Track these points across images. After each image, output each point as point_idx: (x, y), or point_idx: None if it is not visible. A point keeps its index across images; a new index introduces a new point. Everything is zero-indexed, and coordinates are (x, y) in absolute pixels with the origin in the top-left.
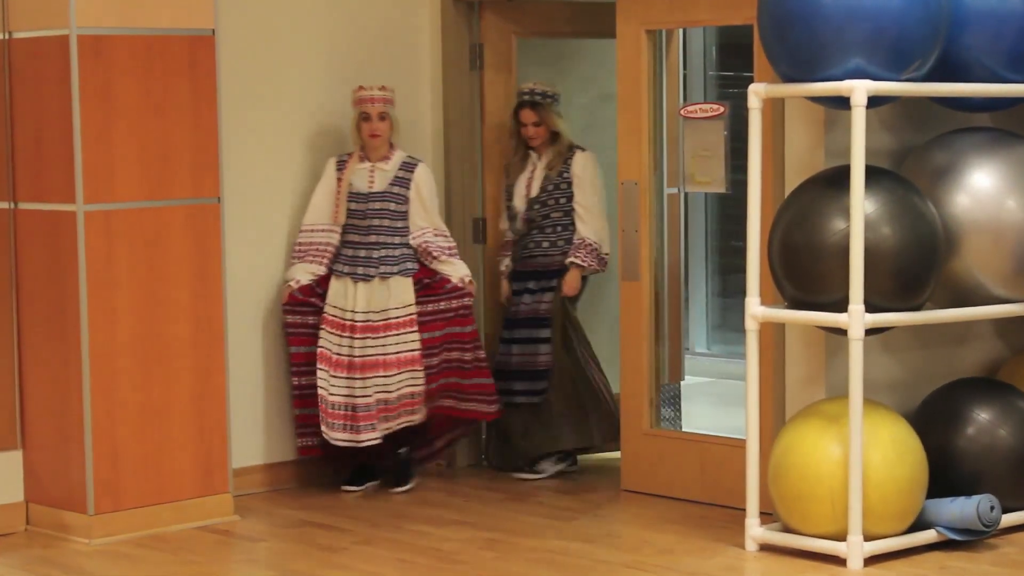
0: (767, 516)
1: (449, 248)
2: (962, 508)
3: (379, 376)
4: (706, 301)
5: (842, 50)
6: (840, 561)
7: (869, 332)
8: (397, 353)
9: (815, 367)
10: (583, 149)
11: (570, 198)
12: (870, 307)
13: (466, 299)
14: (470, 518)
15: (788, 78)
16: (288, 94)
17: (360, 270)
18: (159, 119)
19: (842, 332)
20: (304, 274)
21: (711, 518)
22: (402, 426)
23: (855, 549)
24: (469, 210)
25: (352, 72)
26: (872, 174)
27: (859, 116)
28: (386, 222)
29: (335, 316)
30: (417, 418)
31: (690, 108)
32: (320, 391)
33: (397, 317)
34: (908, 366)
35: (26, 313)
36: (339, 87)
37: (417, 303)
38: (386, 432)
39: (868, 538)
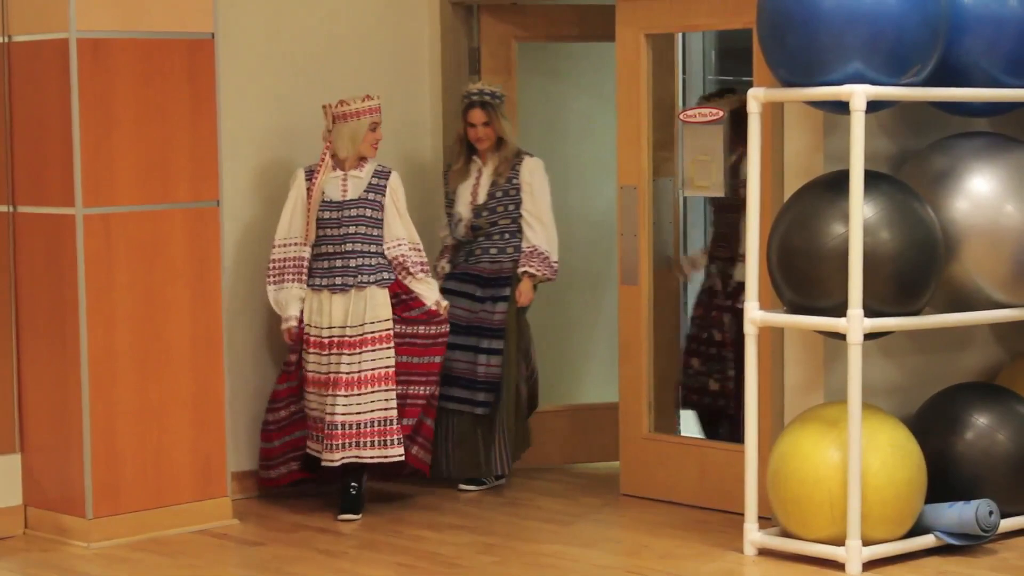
0: (766, 521)
1: (423, 265)
2: (960, 513)
3: (353, 395)
4: None
5: (841, 55)
6: (839, 566)
7: (868, 337)
8: (372, 370)
9: (814, 372)
10: (531, 155)
11: (518, 205)
12: (869, 312)
13: (444, 326)
14: (468, 522)
15: (787, 82)
16: (287, 97)
17: (338, 280)
18: (158, 123)
19: (841, 337)
20: (296, 305)
21: (710, 523)
22: (376, 461)
23: (854, 554)
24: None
25: (351, 76)
26: (871, 178)
27: (858, 120)
28: (362, 230)
29: (315, 336)
30: (394, 455)
31: (689, 112)
32: (315, 414)
33: (373, 332)
34: (907, 371)
35: (25, 317)
36: (338, 91)
37: (393, 319)
38: (355, 460)
39: (867, 543)
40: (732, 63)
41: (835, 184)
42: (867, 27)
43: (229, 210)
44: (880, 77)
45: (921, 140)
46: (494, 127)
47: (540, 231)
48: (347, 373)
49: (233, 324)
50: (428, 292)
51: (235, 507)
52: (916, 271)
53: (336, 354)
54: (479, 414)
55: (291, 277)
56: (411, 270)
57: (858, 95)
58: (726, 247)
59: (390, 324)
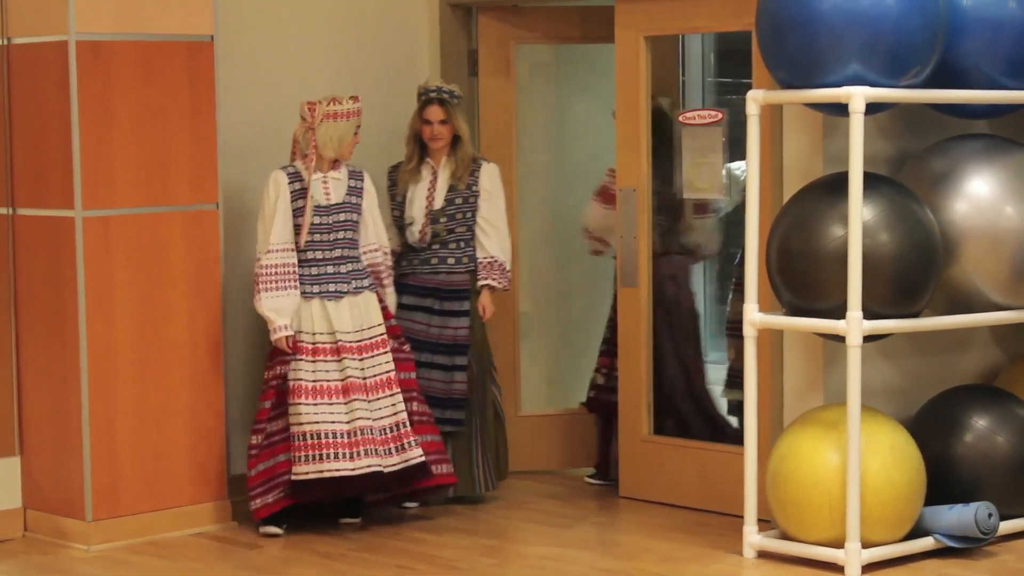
0: (765, 523)
1: (390, 269)
2: (960, 515)
3: (363, 400)
4: (704, 307)
5: (840, 57)
6: (838, 568)
7: (867, 339)
8: (376, 376)
9: (813, 374)
10: (487, 160)
11: (476, 211)
12: (868, 314)
13: (407, 345)
14: (468, 525)
15: (786, 84)
16: (286, 99)
17: (332, 287)
18: (158, 125)
19: (840, 339)
20: (290, 313)
21: (709, 525)
22: (398, 468)
23: (853, 556)
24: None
25: (349, 78)
26: (870, 181)
27: (857, 123)
28: (349, 234)
29: (306, 342)
30: (414, 456)
31: (688, 115)
32: (305, 427)
33: (372, 338)
34: (906, 373)
35: (25, 319)
36: (338, 91)
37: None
38: (381, 468)
39: (866, 545)
40: (731, 65)
41: (834, 186)
42: (866, 29)
43: (228, 212)
44: (879, 79)
45: (920, 142)
46: (452, 125)
47: (496, 239)
48: (358, 379)
49: (232, 326)
50: (393, 304)
51: (234, 510)
52: (915, 273)
53: (342, 359)
54: (447, 431)
55: (291, 284)
56: (383, 280)
57: (857, 97)
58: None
59: (383, 328)
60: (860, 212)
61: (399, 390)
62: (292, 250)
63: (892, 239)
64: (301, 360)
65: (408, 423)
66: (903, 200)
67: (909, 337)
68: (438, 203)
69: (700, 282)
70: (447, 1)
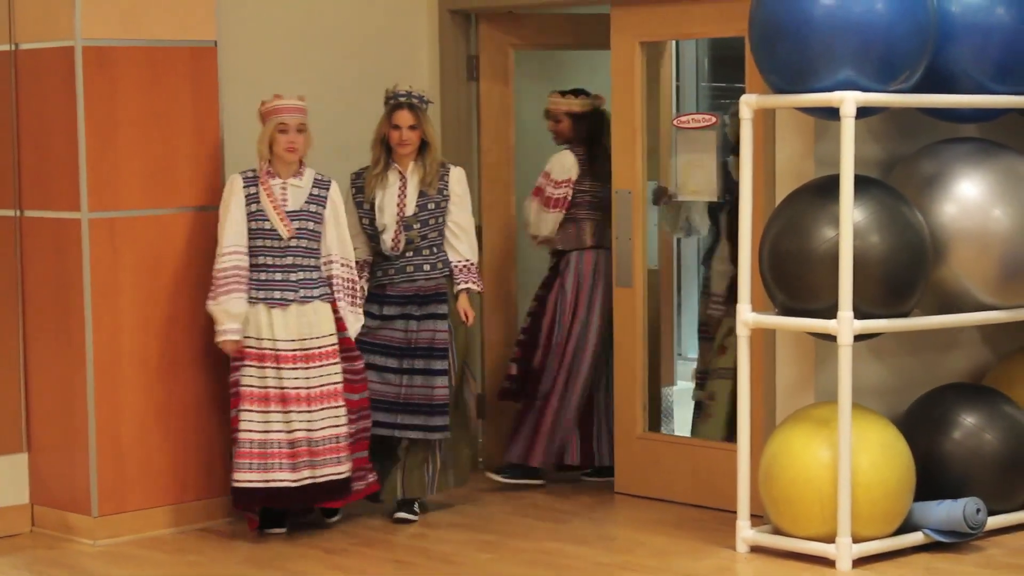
0: (758, 518)
1: (352, 283)
2: (949, 511)
3: (304, 411)
4: (698, 306)
5: (832, 62)
6: (829, 562)
7: (858, 338)
8: (321, 387)
9: (805, 372)
10: (454, 165)
11: (446, 216)
12: (859, 314)
13: (358, 363)
14: (465, 520)
15: (779, 89)
16: None
17: (277, 295)
18: (162, 128)
19: (831, 338)
20: (237, 317)
21: (703, 520)
22: (328, 479)
23: (844, 551)
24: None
25: (351, 82)
26: (861, 183)
27: (848, 126)
28: (303, 243)
29: (252, 347)
30: (343, 471)
31: (683, 118)
32: (245, 434)
33: (319, 347)
34: (896, 371)
35: (31, 319)
36: (338, 97)
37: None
38: (311, 481)
39: (856, 540)
40: (725, 70)
41: (826, 189)
42: (857, 35)
43: None
44: (870, 84)
45: (910, 145)
46: (421, 131)
47: (467, 243)
48: (296, 388)
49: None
50: (353, 323)
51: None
52: (905, 274)
53: (280, 368)
54: (436, 439)
55: (237, 287)
56: (338, 295)
57: (848, 101)
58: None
59: (335, 339)
60: (851, 214)
61: (343, 403)
62: (242, 253)
63: (882, 241)
64: (250, 366)
65: (343, 439)
66: (893, 202)
67: (899, 336)
68: (410, 209)
69: None
70: (447, 8)
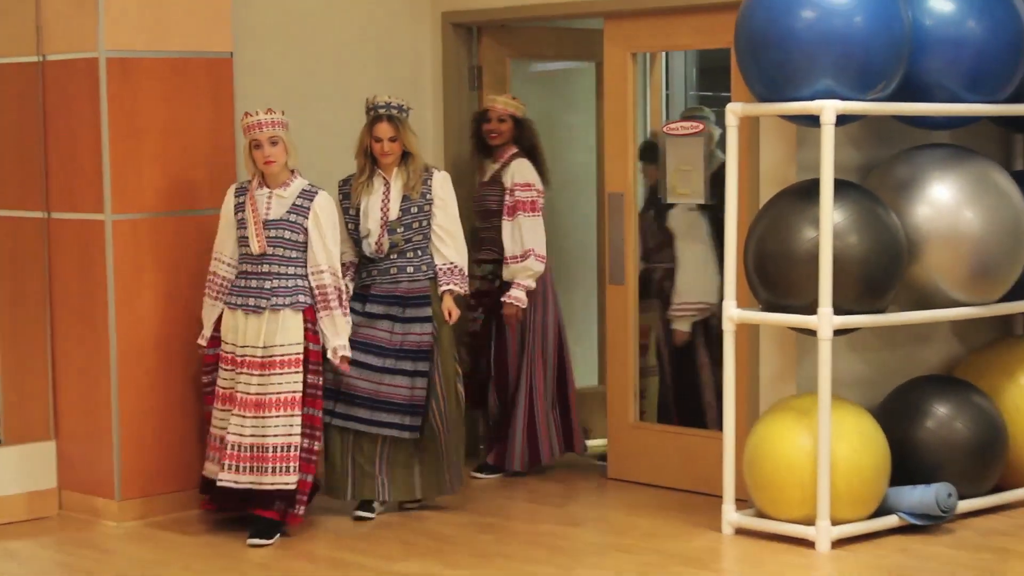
0: (742, 502)
1: (339, 292)
2: (922, 495)
3: (257, 416)
4: None
5: (813, 72)
6: (809, 544)
7: (837, 333)
8: (278, 394)
9: (787, 365)
10: (439, 169)
11: (431, 219)
12: (838, 310)
13: (321, 379)
14: (467, 504)
15: (763, 98)
16: (300, 112)
17: (252, 301)
18: (181, 135)
19: (812, 333)
20: (209, 325)
21: (691, 504)
22: (276, 488)
23: (823, 533)
24: (468, 221)
25: (361, 92)
26: (840, 187)
27: (828, 133)
28: (279, 251)
29: (228, 352)
30: (291, 481)
31: (672, 125)
32: (214, 430)
33: (282, 355)
34: (873, 364)
35: (58, 315)
36: (349, 107)
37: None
38: (254, 487)
39: (835, 523)
40: (712, 80)
41: (807, 192)
42: (837, 47)
43: None
44: (849, 93)
45: (886, 151)
46: (401, 141)
47: (453, 246)
48: (253, 394)
49: None
50: (332, 336)
51: None
52: (881, 272)
53: (244, 373)
54: (407, 438)
55: (214, 293)
56: (330, 305)
57: (828, 110)
58: (492, 250)
59: (300, 348)
60: (831, 216)
61: (299, 413)
62: (222, 261)
63: (860, 241)
64: (224, 369)
65: (296, 448)
66: (870, 205)
67: (876, 331)
68: (393, 213)
69: None
70: (450, 21)
